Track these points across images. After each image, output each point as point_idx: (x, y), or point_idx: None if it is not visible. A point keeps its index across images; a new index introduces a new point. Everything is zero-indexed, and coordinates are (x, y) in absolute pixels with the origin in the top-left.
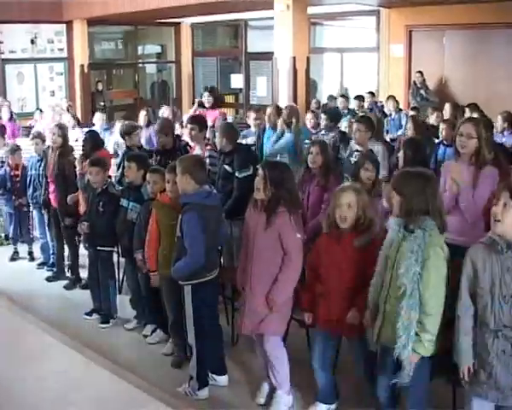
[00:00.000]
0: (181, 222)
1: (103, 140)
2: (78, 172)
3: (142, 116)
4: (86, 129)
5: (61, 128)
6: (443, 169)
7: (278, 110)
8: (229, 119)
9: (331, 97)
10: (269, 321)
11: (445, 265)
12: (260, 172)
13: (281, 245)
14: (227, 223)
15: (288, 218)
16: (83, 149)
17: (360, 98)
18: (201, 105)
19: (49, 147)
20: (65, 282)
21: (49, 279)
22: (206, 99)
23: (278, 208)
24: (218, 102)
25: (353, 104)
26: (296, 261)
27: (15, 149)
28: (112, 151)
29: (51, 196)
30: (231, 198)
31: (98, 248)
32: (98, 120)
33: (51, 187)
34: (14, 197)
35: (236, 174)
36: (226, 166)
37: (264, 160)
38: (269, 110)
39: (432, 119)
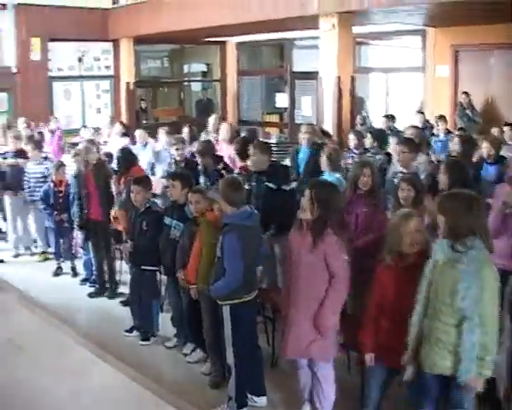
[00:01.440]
0: (221, 242)
1: (136, 156)
2: (114, 191)
3: (186, 133)
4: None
5: (94, 144)
6: (495, 192)
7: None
8: (274, 138)
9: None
10: (319, 346)
11: (498, 284)
12: (307, 192)
13: (327, 267)
14: (269, 241)
15: (335, 239)
16: (118, 168)
17: (390, 118)
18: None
19: (87, 163)
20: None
21: (91, 295)
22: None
23: (325, 229)
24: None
25: (399, 124)
26: (343, 283)
27: (60, 166)
28: (146, 167)
29: (91, 211)
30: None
31: (142, 267)
32: (139, 137)
33: (91, 201)
34: (55, 213)
35: (283, 187)
36: (269, 184)
37: (312, 179)
38: (304, 128)
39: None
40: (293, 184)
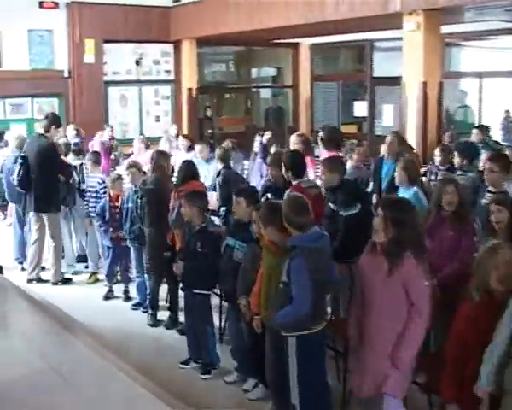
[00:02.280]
0: (288, 267)
1: (197, 171)
2: (170, 206)
3: (257, 143)
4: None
5: (164, 155)
6: None
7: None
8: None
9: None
10: (390, 380)
11: None
12: (379, 211)
13: (406, 295)
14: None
15: (415, 263)
16: (176, 181)
17: (483, 129)
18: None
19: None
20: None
21: (151, 325)
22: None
23: (402, 252)
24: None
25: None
26: (424, 314)
27: (116, 179)
28: (209, 182)
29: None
30: (337, 240)
31: (194, 290)
32: (200, 151)
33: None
34: (111, 230)
35: (341, 212)
36: (330, 204)
37: (384, 197)
38: (389, 138)
39: None
40: (354, 209)
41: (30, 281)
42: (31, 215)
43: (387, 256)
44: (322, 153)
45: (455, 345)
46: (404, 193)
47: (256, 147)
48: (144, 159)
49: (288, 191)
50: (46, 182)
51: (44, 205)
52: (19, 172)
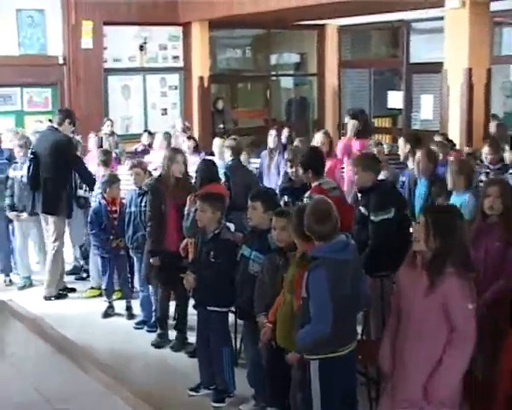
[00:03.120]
0: (307, 280)
1: (218, 172)
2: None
3: (272, 138)
4: (205, 157)
5: (181, 153)
6: None
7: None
8: (385, 148)
9: None
10: None
11: None
12: (421, 217)
13: (446, 317)
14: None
15: (458, 281)
16: (195, 179)
17: None
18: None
19: (158, 178)
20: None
21: (156, 345)
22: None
23: (445, 267)
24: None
25: None
26: (467, 340)
27: (113, 181)
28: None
29: (168, 239)
30: (368, 249)
31: (208, 307)
32: (217, 146)
33: (169, 227)
34: (111, 237)
35: (371, 217)
36: (361, 208)
37: (429, 204)
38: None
39: None
40: (387, 215)
41: (48, 298)
42: (40, 218)
43: (427, 270)
44: (347, 143)
45: (508, 382)
46: (456, 200)
47: (271, 142)
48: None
49: (307, 194)
50: (58, 182)
51: (54, 207)
52: (28, 170)
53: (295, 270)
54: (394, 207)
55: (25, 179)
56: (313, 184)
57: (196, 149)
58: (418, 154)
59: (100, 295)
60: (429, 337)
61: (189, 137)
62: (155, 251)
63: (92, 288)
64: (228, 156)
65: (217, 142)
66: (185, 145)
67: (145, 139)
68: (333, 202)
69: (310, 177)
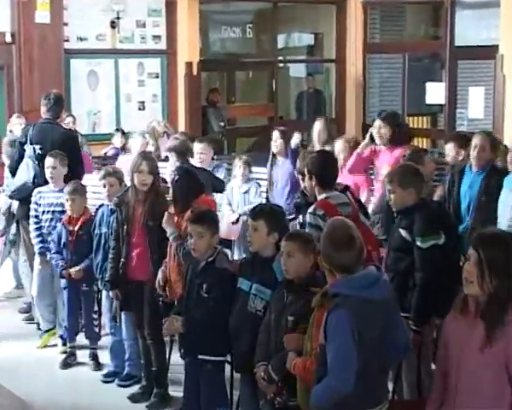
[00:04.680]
0: (325, 324)
1: (201, 182)
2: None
3: (277, 138)
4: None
5: (149, 160)
6: None
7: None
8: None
9: None
10: None
11: None
12: (472, 252)
13: (509, 375)
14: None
15: None
16: (174, 199)
17: None
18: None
19: (126, 191)
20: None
21: (133, 398)
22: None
23: (506, 315)
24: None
25: None
26: None
27: (77, 190)
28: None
29: (133, 266)
30: (417, 286)
31: (200, 356)
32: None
33: (134, 251)
34: (61, 264)
35: (418, 243)
36: (401, 231)
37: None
38: (478, 140)
39: None
40: (437, 240)
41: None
42: None
43: (484, 319)
44: (380, 153)
45: None
46: None
47: (275, 147)
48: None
49: (310, 209)
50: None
51: None
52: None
53: (316, 311)
54: (444, 232)
55: None
56: (319, 198)
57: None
58: (476, 139)
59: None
60: (486, 397)
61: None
62: (114, 281)
63: (46, 331)
64: (173, 162)
65: (198, 146)
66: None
67: (117, 140)
68: None
69: (314, 187)
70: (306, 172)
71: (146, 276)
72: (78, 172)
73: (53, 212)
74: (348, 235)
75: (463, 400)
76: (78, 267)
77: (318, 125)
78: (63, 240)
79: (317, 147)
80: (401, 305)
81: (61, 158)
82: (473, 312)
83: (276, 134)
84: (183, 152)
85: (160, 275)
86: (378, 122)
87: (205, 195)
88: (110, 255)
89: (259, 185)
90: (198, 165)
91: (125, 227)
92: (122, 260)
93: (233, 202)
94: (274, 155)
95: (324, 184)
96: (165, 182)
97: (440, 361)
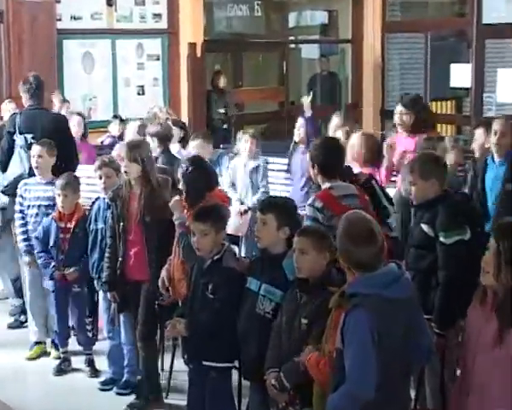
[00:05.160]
0: (343, 326)
1: (215, 173)
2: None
3: (301, 126)
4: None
5: (134, 147)
6: None
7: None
8: (446, 143)
9: None
10: None
11: None
12: (492, 242)
13: None
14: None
15: None
16: (186, 192)
17: None
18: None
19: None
20: None
21: (132, 407)
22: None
23: None
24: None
25: None
26: None
27: (69, 184)
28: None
29: (130, 265)
30: (441, 285)
31: (205, 362)
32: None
33: (131, 250)
34: (53, 265)
35: (442, 239)
36: (423, 226)
37: (502, 221)
38: (498, 125)
39: None
40: (462, 235)
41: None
42: None
43: (498, 314)
44: (399, 141)
45: None
46: None
47: (298, 135)
48: None
49: (309, 200)
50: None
51: None
52: None
53: (333, 312)
54: (469, 226)
55: None
56: (322, 188)
57: (185, 140)
58: (496, 124)
59: (45, 352)
60: (499, 399)
61: (176, 123)
62: (111, 282)
63: (37, 343)
64: (155, 148)
65: (194, 142)
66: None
67: (114, 128)
68: (345, 213)
69: (317, 176)
70: (310, 160)
71: (145, 276)
72: (71, 162)
73: (39, 206)
74: (368, 229)
75: (474, 398)
76: (73, 268)
77: (336, 121)
78: (52, 238)
79: None
80: (423, 306)
81: (49, 147)
82: (490, 304)
83: (300, 121)
84: (166, 138)
85: (163, 273)
86: (400, 108)
87: (218, 188)
88: (106, 254)
89: (267, 164)
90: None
91: (121, 224)
92: (119, 259)
93: (237, 184)
94: (296, 142)
95: (327, 173)
96: (165, 172)
97: (464, 352)
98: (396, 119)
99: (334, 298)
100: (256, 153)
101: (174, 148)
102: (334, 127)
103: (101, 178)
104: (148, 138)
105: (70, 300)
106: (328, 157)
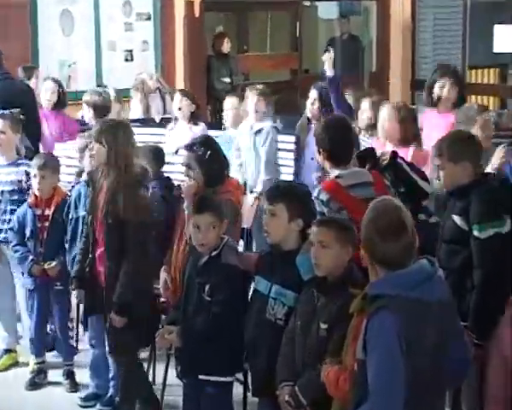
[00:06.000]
0: (365, 333)
1: (227, 159)
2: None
3: (315, 100)
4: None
5: (107, 126)
6: None
7: None
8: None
9: None
10: None
11: None
12: None
13: None
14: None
15: None
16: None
17: None
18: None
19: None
20: None
21: None
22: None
23: None
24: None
25: None
26: None
27: (47, 164)
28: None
29: (97, 266)
30: (476, 287)
31: (201, 376)
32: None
33: (97, 250)
34: (30, 258)
35: (475, 232)
36: (455, 217)
37: None
38: None
39: None
40: (500, 228)
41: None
42: None
43: None
44: (427, 116)
45: None
46: None
47: (311, 110)
48: None
49: (316, 191)
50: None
51: None
52: None
53: (355, 317)
54: (510, 217)
55: None
56: (330, 176)
57: (195, 117)
58: None
59: (16, 363)
60: None
61: (185, 93)
62: (80, 278)
63: (7, 352)
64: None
65: (230, 102)
66: (176, 109)
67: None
68: (356, 205)
69: (323, 162)
70: (316, 142)
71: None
72: (36, 141)
73: (1, 192)
74: (398, 220)
75: None
76: (54, 262)
77: (365, 105)
78: (29, 228)
79: (361, 135)
80: (459, 311)
81: (14, 121)
82: None
83: (314, 94)
84: (104, 109)
85: (162, 276)
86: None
87: (229, 177)
88: (80, 245)
89: (278, 131)
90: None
91: (90, 217)
92: (90, 255)
93: (241, 150)
94: (309, 119)
95: (335, 159)
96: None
97: (498, 370)
98: (437, 90)
99: (357, 301)
100: (265, 114)
101: (182, 125)
102: (362, 112)
103: (91, 157)
104: (85, 108)
105: (50, 301)
106: (337, 140)
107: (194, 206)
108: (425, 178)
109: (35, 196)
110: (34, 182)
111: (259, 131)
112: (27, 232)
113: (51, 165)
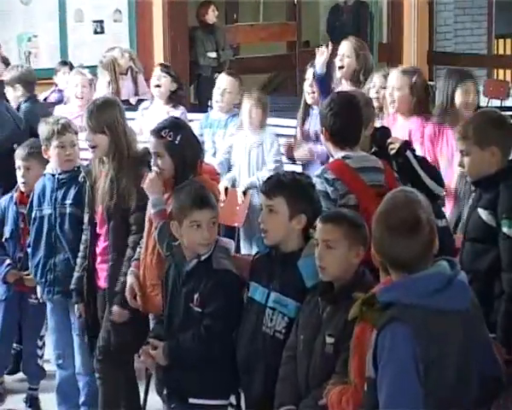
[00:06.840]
0: (375, 347)
1: (201, 145)
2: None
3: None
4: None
5: (101, 110)
6: None
7: None
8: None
9: None
10: None
11: None
12: None
13: None
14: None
15: None
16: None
17: None
18: None
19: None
20: None
21: None
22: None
23: None
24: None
25: None
26: None
27: (33, 154)
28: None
29: (97, 266)
30: (506, 293)
31: (191, 400)
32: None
33: (100, 246)
34: (7, 264)
35: (504, 229)
36: (481, 211)
37: None
38: None
39: None
40: None
41: None
42: None
43: None
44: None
45: None
46: None
47: (311, 97)
48: None
49: (317, 171)
50: None
51: None
52: None
53: (356, 327)
54: None
55: None
56: (335, 157)
57: (175, 96)
58: None
59: None
60: None
61: (165, 67)
62: (80, 291)
63: None
64: (18, 96)
65: (227, 82)
66: (153, 85)
67: (62, 80)
68: (365, 191)
69: (327, 143)
70: (320, 122)
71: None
72: None
73: None
74: (414, 216)
75: None
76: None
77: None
78: (9, 226)
79: None
80: (485, 321)
81: None
82: None
83: (311, 74)
84: (32, 82)
85: (130, 280)
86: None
87: (205, 165)
88: (81, 252)
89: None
90: None
91: (88, 213)
92: (86, 261)
93: (236, 167)
94: (307, 104)
95: (340, 140)
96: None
97: None
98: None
99: (356, 306)
100: (262, 125)
101: (159, 106)
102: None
103: (63, 147)
104: (9, 89)
105: (22, 314)
106: (342, 119)
107: (194, 200)
108: (436, 178)
109: (21, 192)
110: (18, 174)
111: (254, 144)
112: (6, 232)
113: (37, 154)
